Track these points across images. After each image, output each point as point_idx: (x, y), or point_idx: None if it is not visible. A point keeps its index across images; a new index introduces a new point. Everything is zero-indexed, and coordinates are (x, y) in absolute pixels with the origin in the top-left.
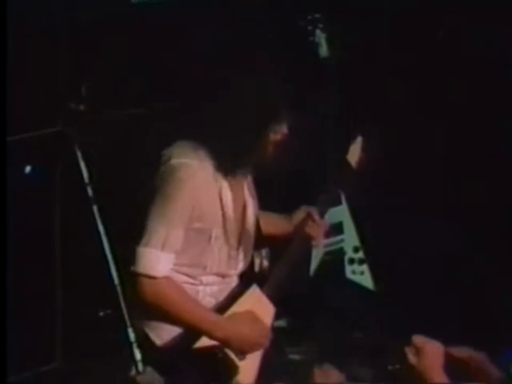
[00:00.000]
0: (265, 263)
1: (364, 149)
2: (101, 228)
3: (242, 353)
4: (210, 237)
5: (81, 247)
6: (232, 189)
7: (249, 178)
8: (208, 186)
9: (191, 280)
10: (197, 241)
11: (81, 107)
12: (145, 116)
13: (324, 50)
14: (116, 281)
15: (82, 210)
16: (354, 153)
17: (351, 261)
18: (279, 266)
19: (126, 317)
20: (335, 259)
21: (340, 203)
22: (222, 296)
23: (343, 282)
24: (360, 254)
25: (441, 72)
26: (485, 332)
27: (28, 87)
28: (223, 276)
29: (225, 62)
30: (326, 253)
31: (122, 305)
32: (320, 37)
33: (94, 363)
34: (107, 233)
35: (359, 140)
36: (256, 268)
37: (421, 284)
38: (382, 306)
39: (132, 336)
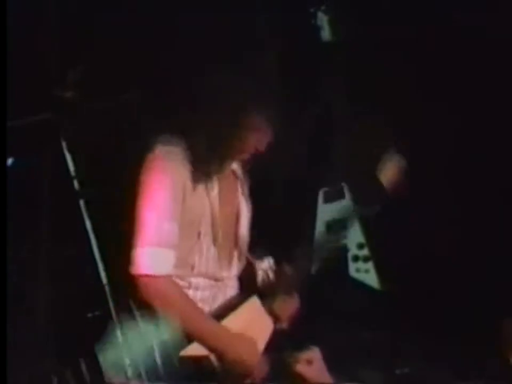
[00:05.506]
0: (271, 276)
1: (401, 170)
2: (88, 224)
3: (228, 373)
4: (199, 233)
5: (69, 245)
6: (221, 187)
7: (245, 183)
8: (196, 177)
9: (179, 282)
10: (188, 237)
11: (69, 94)
12: (135, 105)
13: (326, 34)
14: (104, 280)
15: (70, 206)
16: (388, 172)
17: (355, 258)
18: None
19: (115, 318)
20: (337, 257)
21: (342, 196)
22: (216, 303)
23: (346, 281)
24: (365, 251)
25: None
26: (493, 330)
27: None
28: (215, 279)
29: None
30: (328, 250)
31: (111, 306)
32: (323, 19)
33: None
34: (95, 230)
35: (396, 157)
36: (259, 281)
37: (430, 282)
38: (388, 306)
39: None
